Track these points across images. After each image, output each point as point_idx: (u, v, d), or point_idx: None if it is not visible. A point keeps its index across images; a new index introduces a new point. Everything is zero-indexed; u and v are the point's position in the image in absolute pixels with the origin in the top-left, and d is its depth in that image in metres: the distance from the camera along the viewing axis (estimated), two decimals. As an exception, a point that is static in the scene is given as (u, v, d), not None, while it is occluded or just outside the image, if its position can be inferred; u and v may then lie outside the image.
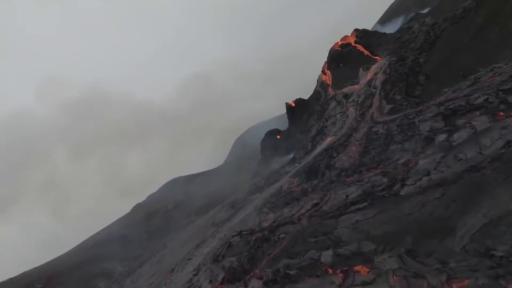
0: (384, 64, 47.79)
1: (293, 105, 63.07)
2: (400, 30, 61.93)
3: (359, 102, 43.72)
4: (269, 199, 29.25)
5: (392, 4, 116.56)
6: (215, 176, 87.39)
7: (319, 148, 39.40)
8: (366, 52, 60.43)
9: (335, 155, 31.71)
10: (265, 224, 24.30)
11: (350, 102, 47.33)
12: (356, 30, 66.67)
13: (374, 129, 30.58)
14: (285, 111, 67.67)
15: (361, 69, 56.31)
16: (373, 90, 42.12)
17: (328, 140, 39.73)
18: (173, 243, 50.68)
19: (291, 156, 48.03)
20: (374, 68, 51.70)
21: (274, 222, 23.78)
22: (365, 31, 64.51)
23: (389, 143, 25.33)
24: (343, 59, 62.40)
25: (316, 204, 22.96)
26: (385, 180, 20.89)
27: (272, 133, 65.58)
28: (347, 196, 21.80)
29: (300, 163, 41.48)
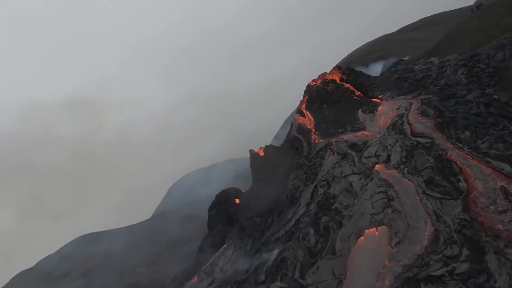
0: (410, 104, 30.76)
1: (262, 154, 41.31)
2: (393, 71, 48.83)
3: (395, 158, 24.22)
4: None
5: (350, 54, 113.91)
6: (124, 254, 55.67)
7: (360, 264, 16.93)
8: (358, 92, 44.66)
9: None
10: None
11: (369, 157, 27.68)
12: (339, 67, 52.00)
13: None
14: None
15: (359, 111, 39.15)
16: (423, 140, 23.28)
17: (371, 240, 17.79)
18: None
19: (272, 254, 24.15)
20: (387, 109, 34.63)
21: None
22: (351, 69, 49.82)
23: None
24: (329, 98, 45.20)
25: None
26: None
27: (227, 194, 41.51)
28: None
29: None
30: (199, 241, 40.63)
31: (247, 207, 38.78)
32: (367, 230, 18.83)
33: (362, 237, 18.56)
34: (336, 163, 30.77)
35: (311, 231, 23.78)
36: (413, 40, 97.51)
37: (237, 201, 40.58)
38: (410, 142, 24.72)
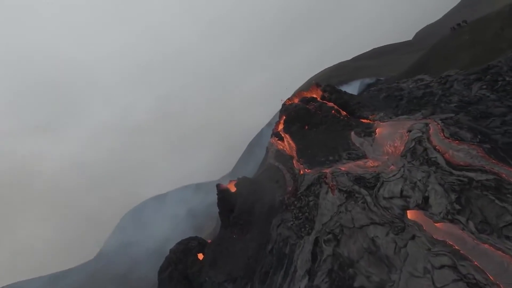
0: (426, 125, 23.86)
1: (234, 189, 31.31)
2: (376, 90, 43.46)
3: (440, 203, 16.22)
4: None
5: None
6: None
7: None
8: (343, 112, 37.82)
9: None
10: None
11: (390, 198, 19.43)
12: (318, 84, 45.41)
13: None
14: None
15: (352, 134, 31.80)
16: (479, 177, 15.73)
17: None
18: None
19: None
20: (390, 132, 27.52)
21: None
22: (332, 86, 43.41)
23: None
24: (311, 118, 37.54)
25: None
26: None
27: (186, 248, 30.20)
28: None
29: None
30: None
31: (214, 266, 27.65)
32: None
33: None
34: (341, 205, 22.02)
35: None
36: (368, 67, 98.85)
37: (200, 256, 29.34)
38: (454, 178, 17.03)
